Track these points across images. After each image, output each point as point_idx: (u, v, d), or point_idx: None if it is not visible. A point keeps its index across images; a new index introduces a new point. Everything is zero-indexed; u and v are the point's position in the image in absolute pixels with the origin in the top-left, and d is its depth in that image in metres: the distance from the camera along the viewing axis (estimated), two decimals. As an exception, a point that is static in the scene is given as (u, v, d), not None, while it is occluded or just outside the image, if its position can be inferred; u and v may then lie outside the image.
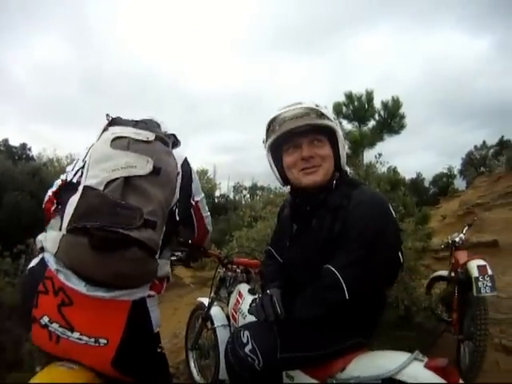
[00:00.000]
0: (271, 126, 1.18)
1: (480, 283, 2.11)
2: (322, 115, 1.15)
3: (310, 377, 1.13)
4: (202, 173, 17.21)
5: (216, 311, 2.05)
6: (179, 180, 1.07)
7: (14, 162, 9.23)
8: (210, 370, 2.06)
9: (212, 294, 2.07)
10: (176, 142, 1.22)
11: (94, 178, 0.98)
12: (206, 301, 2.13)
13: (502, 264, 4.28)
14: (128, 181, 0.97)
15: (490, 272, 2.16)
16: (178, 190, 1.05)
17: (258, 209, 3.95)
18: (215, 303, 2.07)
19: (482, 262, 2.23)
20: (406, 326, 2.35)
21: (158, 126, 1.22)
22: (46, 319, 0.94)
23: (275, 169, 1.24)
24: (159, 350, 1.10)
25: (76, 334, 0.92)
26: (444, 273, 2.75)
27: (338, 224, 1.08)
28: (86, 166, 1.03)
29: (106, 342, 0.93)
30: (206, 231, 1.44)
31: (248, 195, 14.82)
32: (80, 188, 0.98)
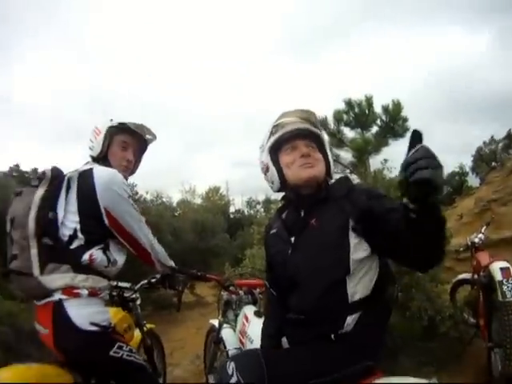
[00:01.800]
0: (273, 129, 1.24)
1: (504, 287, 1.99)
2: (317, 124, 1.25)
3: None
4: (214, 190, 17.02)
5: (227, 334, 1.97)
6: (34, 211, 1.33)
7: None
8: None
9: (220, 318, 1.99)
10: (41, 176, 1.41)
11: None
12: (217, 323, 2.06)
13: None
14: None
15: None
16: (31, 221, 1.32)
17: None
18: (225, 325, 1.99)
19: (505, 264, 2.10)
20: (431, 337, 2.21)
21: (38, 175, 1.42)
22: (35, 324, 1.41)
23: (274, 169, 1.22)
24: (112, 354, 1.32)
25: (41, 327, 1.36)
26: (467, 276, 2.62)
27: (361, 200, 1.07)
28: None
29: (47, 330, 1.33)
30: (143, 249, 1.45)
31: (262, 209, 14.65)
32: None
